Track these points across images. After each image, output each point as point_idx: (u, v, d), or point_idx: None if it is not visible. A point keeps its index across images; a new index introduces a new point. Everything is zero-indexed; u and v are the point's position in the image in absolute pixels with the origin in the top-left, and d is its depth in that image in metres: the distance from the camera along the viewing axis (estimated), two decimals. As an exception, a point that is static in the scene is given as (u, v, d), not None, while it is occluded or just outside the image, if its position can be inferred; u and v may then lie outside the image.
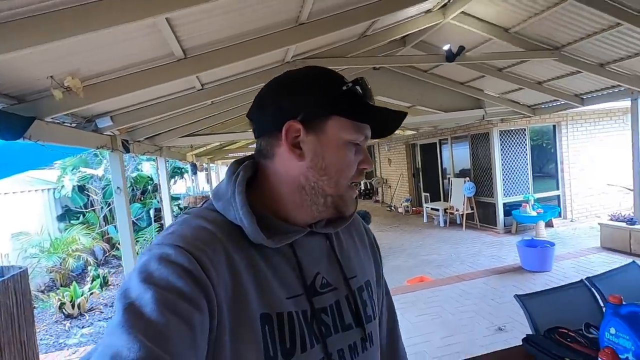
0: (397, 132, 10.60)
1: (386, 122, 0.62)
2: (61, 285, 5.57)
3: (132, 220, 7.43)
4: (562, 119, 7.17)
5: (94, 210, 7.34)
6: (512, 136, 7.19)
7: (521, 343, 1.58)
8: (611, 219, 5.36)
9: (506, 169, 7.18)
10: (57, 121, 2.63)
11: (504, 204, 7.16)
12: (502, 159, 7.13)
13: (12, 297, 2.73)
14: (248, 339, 0.52)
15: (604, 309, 1.90)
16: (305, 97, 0.58)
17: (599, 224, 5.50)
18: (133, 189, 7.88)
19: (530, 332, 1.76)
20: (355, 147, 0.60)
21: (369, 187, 13.88)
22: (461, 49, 3.92)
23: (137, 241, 6.51)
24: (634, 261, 2.10)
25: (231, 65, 2.62)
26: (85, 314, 4.60)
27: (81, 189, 7.24)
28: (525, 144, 7.25)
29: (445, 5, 3.78)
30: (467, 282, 4.43)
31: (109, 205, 7.40)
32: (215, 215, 0.58)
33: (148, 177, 8.08)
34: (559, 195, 7.42)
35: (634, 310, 1.30)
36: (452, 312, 3.68)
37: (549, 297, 1.88)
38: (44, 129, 2.24)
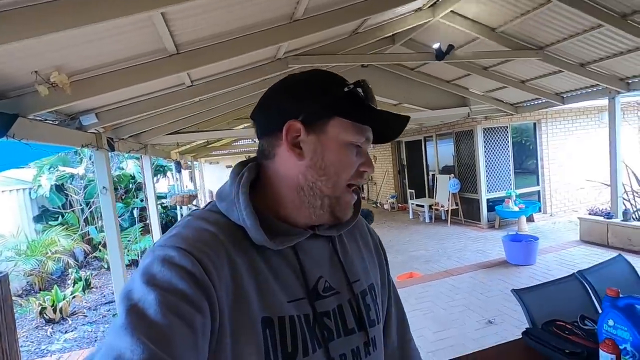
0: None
1: (387, 124, 0.62)
2: (40, 289, 5.35)
3: (114, 221, 7.21)
4: (542, 116, 7.40)
5: (73, 210, 7.07)
6: (495, 133, 7.37)
7: (519, 336, 1.63)
8: (589, 213, 5.58)
9: (489, 166, 7.36)
10: (39, 118, 2.52)
11: (488, 199, 7.34)
12: (485, 156, 7.30)
13: (-8, 304, 2.59)
14: (249, 341, 0.52)
15: (595, 302, 1.98)
16: (307, 99, 0.59)
17: (578, 218, 5.72)
18: (116, 188, 7.63)
19: (526, 325, 1.82)
20: (357, 149, 0.60)
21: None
22: (450, 47, 3.98)
23: (119, 242, 6.32)
24: (620, 255, 2.19)
25: (224, 61, 2.57)
26: (68, 318, 4.43)
27: (59, 188, 6.96)
28: (508, 141, 7.45)
29: (434, 3, 3.82)
30: (456, 277, 4.52)
31: (89, 205, 7.16)
32: (218, 217, 0.58)
33: (130, 175, 7.85)
34: (539, 191, 7.67)
35: (631, 303, 1.35)
36: (443, 307, 3.75)
37: (543, 290, 1.94)
38: (27, 127, 2.14)
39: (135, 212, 6.82)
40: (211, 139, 7.90)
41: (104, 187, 3.16)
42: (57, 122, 2.76)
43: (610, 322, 1.38)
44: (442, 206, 8.12)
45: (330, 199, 0.59)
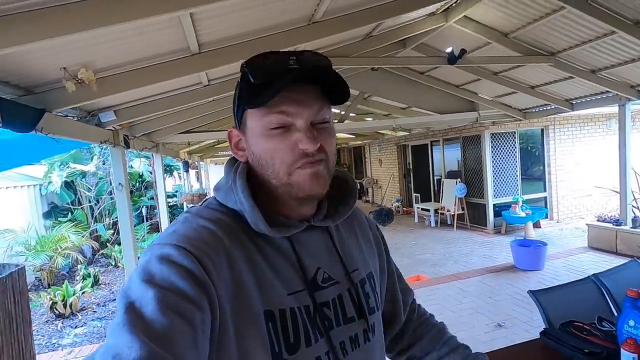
0: (388, 133, 10.82)
1: (304, 79, 0.55)
2: (49, 285, 5.40)
3: (122, 218, 7.26)
4: (550, 122, 7.40)
5: (82, 207, 7.14)
6: (503, 139, 7.38)
7: (530, 339, 1.64)
8: (598, 220, 5.57)
9: (496, 171, 7.36)
10: (62, 114, 2.57)
11: (494, 204, 7.34)
12: (492, 161, 7.31)
13: (10, 296, 2.63)
14: (254, 336, 0.52)
15: (611, 304, 1.99)
16: (235, 102, 0.62)
17: (586, 224, 5.71)
18: (123, 186, 7.69)
19: (536, 329, 1.83)
20: (282, 130, 0.56)
21: (359, 187, 13.98)
22: (463, 51, 4.01)
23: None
24: (634, 259, 2.20)
25: (242, 61, 2.62)
26: (78, 313, 4.47)
27: (68, 185, 7.04)
28: (515, 147, 7.45)
29: (448, 8, 3.86)
30: (464, 281, 4.53)
31: (97, 202, 7.22)
32: (216, 213, 0.59)
33: (139, 174, 7.91)
34: (545, 197, 7.65)
35: (652, 304, 1.37)
36: (451, 309, 3.75)
37: (559, 292, 1.95)
38: (53, 122, 2.18)
39: (144, 211, 6.87)
40: (222, 139, 7.96)
41: (119, 184, 3.20)
42: (77, 119, 2.81)
43: (631, 323, 1.39)
44: (448, 210, 8.12)
45: (283, 187, 0.58)
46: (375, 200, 12.77)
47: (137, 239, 6.94)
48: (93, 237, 6.89)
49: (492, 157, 7.30)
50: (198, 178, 10.62)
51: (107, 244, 6.95)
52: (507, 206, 7.06)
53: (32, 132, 1.86)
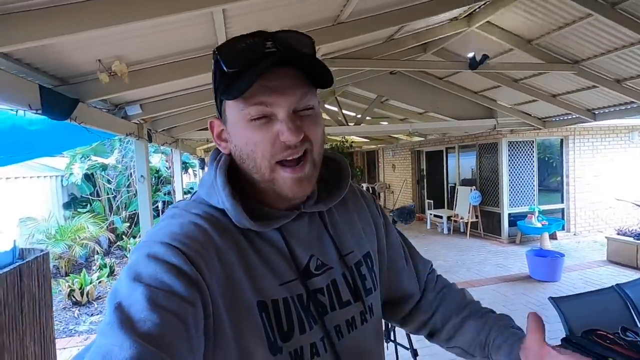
0: (403, 138, 10.78)
1: (281, 62, 0.51)
2: (66, 273, 5.54)
3: (137, 212, 7.41)
4: (570, 133, 7.27)
5: (100, 199, 7.32)
6: (520, 147, 7.28)
7: (559, 343, 1.62)
8: (618, 234, 5.44)
9: (513, 180, 7.26)
10: (92, 105, 2.65)
11: (509, 214, 7.23)
12: (509, 170, 7.21)
13: (34, 280, 2.72)
14: (251, 328, 0.52)
15: (634, 315, 1.95)
16: (215, 93, 0.59)
17: (606, 237, 5.58)
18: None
19: (552, 338, 1.80)
20: (263, 121, 0.53)
21: (370, 191, 13.95)
22: (485, 57, 3.99)
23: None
24: (659, 271, 2.15)
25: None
26: (94, 302, 4.58)
27: (88, 177, 7.23)
28: (533, 156, 7.34)
29: (471, 14, 3.85)
30: (477, 289, 4.47)
31: (115, 195, 7.38)
32: (203, 207, 0.57)
33: (156, 169, 8.07)
34: (563, 209, 7.50)
35: (681, 314, 1.35)
36: (464, 316, 3.71)
37: (581, 300, 1.92)
38: (86, 112, 2.26)
39: (160, 206, 7.00)
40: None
41: (142, 176, 3.29)
42: (105, 111, 2.90)
43: (659, 332, 1.37)
44: (461, 218, 8.03)
45: (265, 182, 0.56)
46: (387, 205, 12.71)
47: (152, 232, 7.09)
48: (109, 229, 7.05)
49: (509, 165, 7.20)
50: (212, 176, 10.76)
51: (123, 236, 7.09)
52: (522, 216, 6.95)
53: (67, 120, 1.93)
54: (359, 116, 6.82)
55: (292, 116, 0.53)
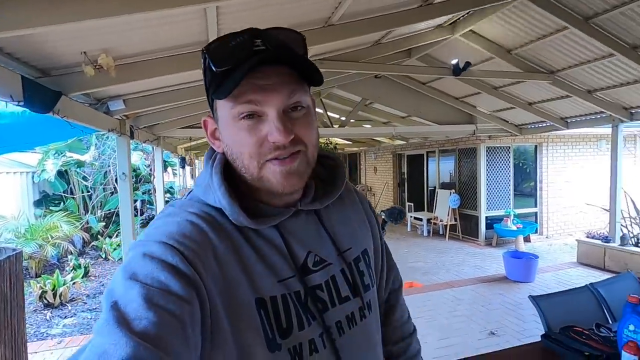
0: (385, 141, 10.94)
1: (270, 61, 0.51)
2: (36, 274, 5.29)
3: (113, 212, 7.17)
4: (544, 140, 7.59)
5: (74, 197, 7.03)
6: (498, 153, 7.53)
7: (539, 339, 1.70)
8: (587, 237, 5.71)
9: (490, 184, 7.50)
10: (74, 99, 2.56)
11: (487, 217, 7.46)
12: (487, 174, 7.45)
13: (6, 280, 2.59)
14: (249, 326, 0.52)
15: (606, 312, 2.07)
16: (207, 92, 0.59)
17: (576, 240, 5.85)
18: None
19: (526, 337, 1.88)
20: (253, 121, 0.53)
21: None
22: (467, 64, 4.12)
23: (119, 233, 6.28)
24: (629, 271, 2.28)
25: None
26: (67, 304, 4.39)
27: (61, 174, 6.93)
28: (509, 161, 7.61)
29: (455, 22, 3.97)
30: (457, 289, 4.59)
31: (91, 192, 7.12)
32: (199, 206, 0.58)
33: (135, 168, 7.84)
34: (536, 212, 7.81)
35: (651, 309, 1.43)
36: (445, 316, 3.80)
37: (558, 299, 2.02)
38: (68, 106, 2.18)
39: (139, 205, 6.80)
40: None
41: (123, 173, 3.19)
42: (87, 105, 2.80)
43: (631, 327, 1.45)
44: (440, 220, 8.21)
45: (255, 181, 0.57)
46: (368, 207, 12.84)
47: (130, 232, 6.88)
48: (84, 229, 6.79)
49: (487, 170, 7.44)
50: (193, 176, 10.56)
51: (99, 236, 6.85)
52: (498, 219, 7.19)
53: (49, 113, 1.85)
54: (343, 118, 6.87)
55: (282, 116, 0.53)
